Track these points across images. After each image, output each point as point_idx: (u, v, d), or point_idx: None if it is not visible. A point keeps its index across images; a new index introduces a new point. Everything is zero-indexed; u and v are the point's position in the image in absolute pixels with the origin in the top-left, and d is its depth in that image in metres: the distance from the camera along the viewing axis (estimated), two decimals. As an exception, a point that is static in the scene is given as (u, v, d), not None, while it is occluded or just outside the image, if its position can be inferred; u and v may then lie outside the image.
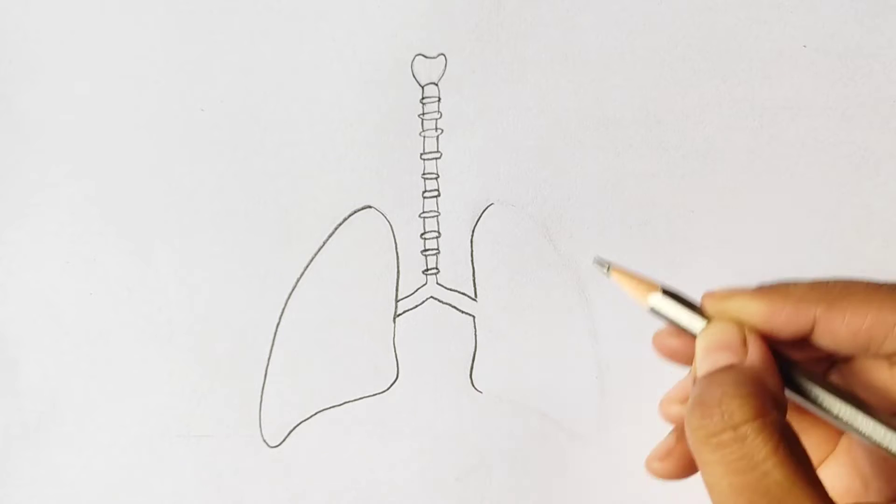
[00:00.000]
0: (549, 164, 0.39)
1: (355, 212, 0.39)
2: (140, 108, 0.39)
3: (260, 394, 0.39)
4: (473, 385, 0.39)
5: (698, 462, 0.27)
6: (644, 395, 0.39)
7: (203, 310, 0.39)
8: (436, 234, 0.39)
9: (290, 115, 0.39)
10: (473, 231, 0.39)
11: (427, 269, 0.39)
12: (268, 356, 0.39)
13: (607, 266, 0.31)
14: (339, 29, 0.39)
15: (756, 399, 0.27)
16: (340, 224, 0.39)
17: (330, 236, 0.39)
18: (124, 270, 0.39)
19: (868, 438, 0.28)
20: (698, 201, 0.39)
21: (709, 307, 0.30)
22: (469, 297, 0.39)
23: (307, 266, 0.39)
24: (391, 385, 0.39)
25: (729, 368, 0.28)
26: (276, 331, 0.39)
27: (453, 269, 0.39)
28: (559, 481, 0.39)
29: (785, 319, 0.29)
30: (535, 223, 0.39)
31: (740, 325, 0.29)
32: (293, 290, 0.39)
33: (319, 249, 0.39)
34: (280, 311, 0.39)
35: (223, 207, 0.39)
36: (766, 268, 0.38)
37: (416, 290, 0.39)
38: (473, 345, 0.39)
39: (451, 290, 0.39)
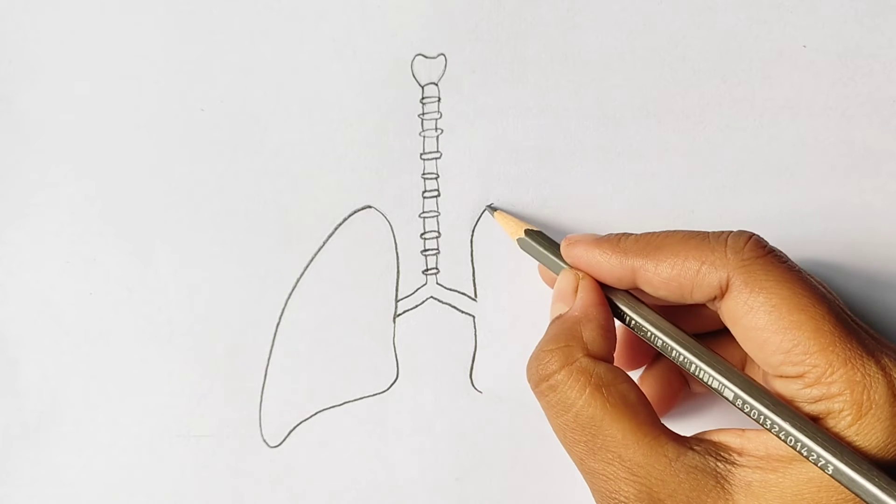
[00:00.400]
0: (549, 164, 0.39)
1: (355, 212, 0.39)
2: (140, 108, 0.39)
3: (260, 394, 0.39)
4: (473, 385, 0.39)
5: None
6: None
7: (203, 310, 0.39)
8: (436, 234, 0.39)
9: (290, 115, 0.39)
10: (473, 231, 0.39)
11: (427, 269, 0.39)
12: (268, 356, 0.39)
13: (493, 210, 0.38)
14: (339, 29, 0.39)
15: (563, 351, 0.32)
16: (340, 224, 0.39)
17: (330, 236, 0.39)
18: (124, 270, 0.39)
19: (666, 354, 0.32)
20: (698, 201, 0.39)
21: (563, 252, 0.35)
22: (469, 297, 0.39)
23: (307, 266, 0.39)
24: (391, 385, 0.39)
25: (554, 321, 0.34)
26: (276, 331, 0.39)
27: (453, 269, 0.39)
28: (559, 481, 0.39)
29: (609, 268, 0.33)
30: (534, 223, 0.39)
31: (575, 274, 0.34)
32: (293, 290, 0.39)
33: (319, 249, 0.39)
34: (280, 311, 0.39)
35: (223, 207, 0.39)
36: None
37: (416, 290, 0.39)
38: (473, 345, 0.39)
39: (451, 290, 0.39)
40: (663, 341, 0.32)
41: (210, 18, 0.39)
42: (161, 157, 0.39)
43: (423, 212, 0.39)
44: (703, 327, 0.36)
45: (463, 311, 0.39)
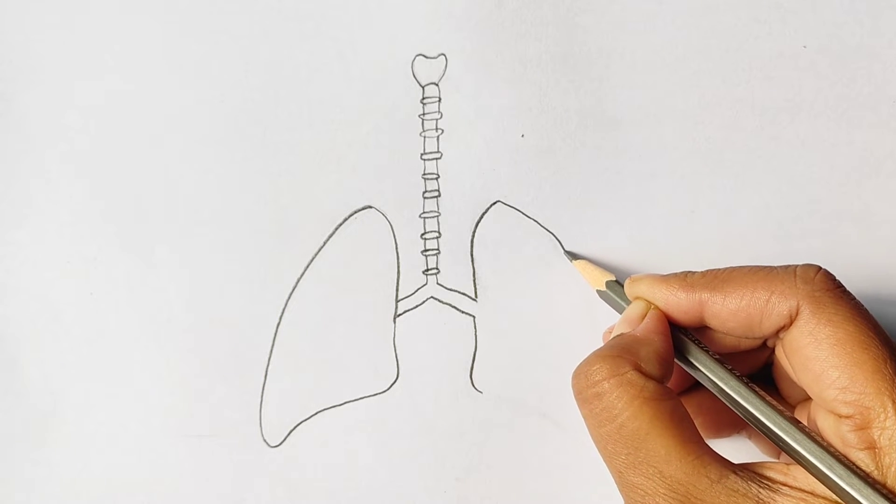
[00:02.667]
0: (549, 164, 0.39)
1: (355, 212, 0.39)
2: (140, 109, 0.39)
3: (260, 394, 0.39)
4: (473, 385, 0.39)
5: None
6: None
7: (203, 310, 0.39)
8: (436, 235, 0.39)
9: (290, 115, 0.39)
10: (474, 231, 0.39)
11: (427, 270, 0.39)
12: (268, 356, 0.39)
13: (573, 257, 0.38)
14: (339, 29, 0.39)
15: (614, 360, 0.31)
16: (341, 224, 0.39)
17: (330, 236, 0.39)
18: (124, 270, 0.39)
19: (719, 395, 0.32)
20: (698, 201, 0.39)
21: (627, 290, 0.35)
22: (469, 297, 0.39)
23: (307, 266, 0.39)
24: (391, 385, 0.39)
25: (613, 338, 0.33)
26: (276, 331, 0.39)
27: (453, 269, 0.39)
28: (559, 482, 0.39)
29: (677, 302, 0.33)
30: (535, 223, 0.39)
31: (646, 304, 0.34)
32: (293, 290, 0.39)
33: (320, 249, 0.39)
34: (280, 311, 0.39)
35: (223, 207, 0.39)
36: (766, 268, 0.38)
37: (417, 291, 0.39)
38: (473, 345, 0.39)
39: (451, 290, 0.39)
40: (720, 387, 0.32)
41: (210, 18, 0.39)
42: (161, 157, 0.39)
43: (424, 212, 0.39)
44: (748, 369, 0.35)
45: (463, 312, 0.39)
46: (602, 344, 0.34)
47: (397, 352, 0.39)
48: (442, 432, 0.39)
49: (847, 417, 0.29)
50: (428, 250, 0.39)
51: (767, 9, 0.38)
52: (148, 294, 0.39)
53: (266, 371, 0.39)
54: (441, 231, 0.39)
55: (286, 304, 0.39)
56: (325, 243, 0.39)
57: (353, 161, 0.39)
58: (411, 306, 0.39)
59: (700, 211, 0.39)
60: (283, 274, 0.39)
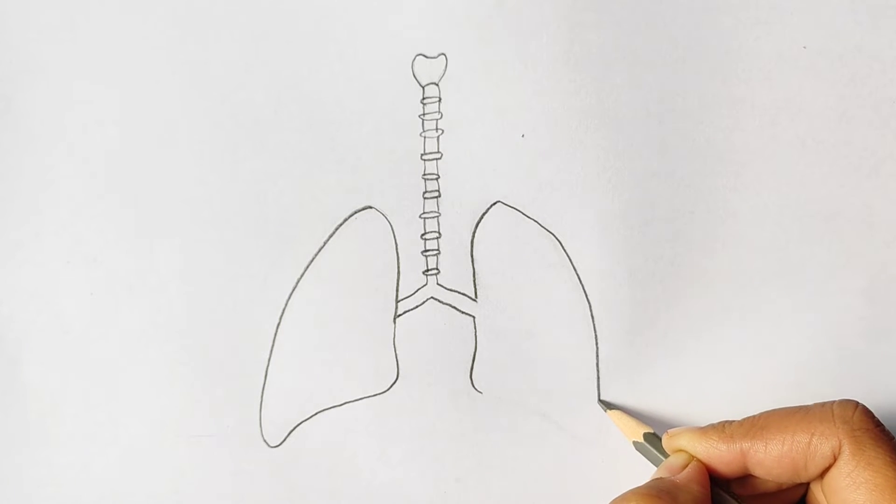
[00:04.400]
0: (549, 164, 0.39)
1: (355, 212, 0.39)
2: (140, 109, 0.39)
3: (260, 394, 0.39)
4: (473, 385, 0.39)
5: None
6: (644, 395, 0.39)
7: (203, 310, 0.39)
8: (436, 235, 0.39)
9: (290, 115, 0.39)
10: (474, 232, 0.39)
11: (427, 270, 0.39)
12: (268, 356, 0.39)
13: (608, 407, 0.38)
14: (339, 29, 0.39)
15: (651, 499, 0.31)
16: (341, 224, 0.39)
17: (330, 237, 0.39)
18: (124, 270, 0.39)
19: None
20: (698, 201, 0.39)
21: (665, 443, 0.35)
22: (469, 297, 0.39)
23: (307, 266, 0.39)
24: (391, 385, 0.39)
25: (654, 479, 0.33)
26: (276, 331, 0.39)
27: (453, 269, 0.39)
28: (559, 482, 0.39)
29: (719, 455, 0.33)
30: (535, 223, 0.39)
31: (688, 456, 0.34)
32: (293, 290, 0.39)
33: (320, 250, 0.39)
34: (280, 311, 0.39)
35: (223, 207, 0.39)
36: (767, 268, 0.38)
37: (417, 291, 0.39)
38: (473, 345, 0.39)
39: (451, 290, 0.39)
40: None
41: (210, 18, 0.39)
42: (161, 157, 0.39)
43: (424, 212, 0.39)
44: None
45: (463, 312, 0.39)
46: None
47: (397, 352, 0.39)
48: (442, 432, 0.39)
49: None
50: (428, 251, 0.39)
51: (767, 9, 0.38)
52: (148, 294, 0.39)
53: (266, 371, 0.39)
54: (441, 231, 0.39)
55: (286, 304, 0.39)
56: (325, 243, 0.39)
57: (353, 161, 0.39)
58: (411, 307, 0.39)
59: (700, 211, 0.39)
60: (283, 274, 0.39)
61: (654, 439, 0.36)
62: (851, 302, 0.38)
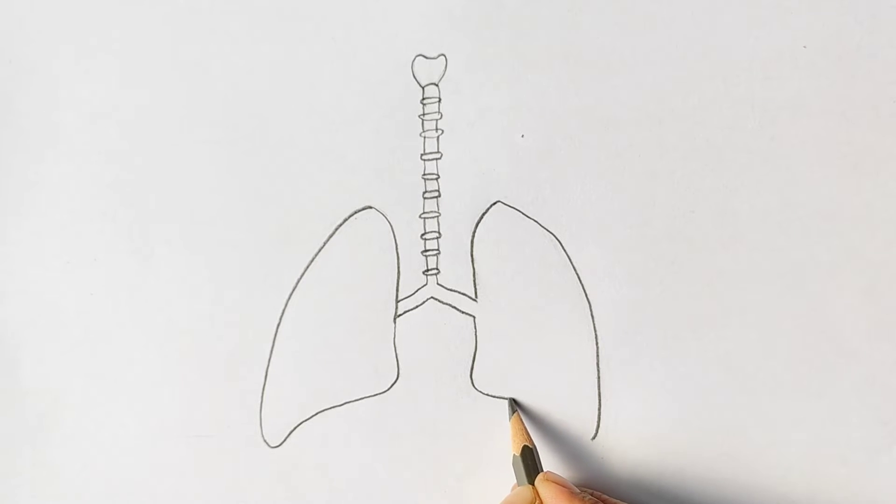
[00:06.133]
0: (549, 164, 0.39)
1: (356, 212, 0.39)
2: (140, 109, 0.39)
3: (260, 394, 0.39)
4: (473, 385, 0.39)
5: None
6: (644, 395, 0.39)
7: (203, 310, 0.39)
8: (436, 235, 0.39)
9: (291, 115, 0.39)
10: (474, 232, 0.39)
11: (427, 270, 0.39)
12: (268, 356, 0.39)
13: (513, 409, 0.38)
14: (339, 29, 0.39)
15: None
16: (341, 224, 0.39)
17: (330, 237, 0.39)
18: (124, 270, 0.39)
19: None
20: (698, 201, 0.39)
21: (537, 484, 0.36)
22: (469, 297, 0.39)
23: (307, 266, 0.39)
24: (391, 385, 0.39)
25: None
26: (277, 331, 0.39)
27: (453, 269, 0.39)
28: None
29: None
30: (535, 223, 0.39)
31: (534, 497, 0.36)
32: (293, 290, 0.39)
33: (320, 250, 0.39)
34: (280, 311, 0.39)
35: (223, 208, 0.39)
36: (767, 268, 0.38)
37: (417, 291, 0.39)
38: (473, 345, 0.39)
39: (451, 290, 0.39)
40: None
41: (210, 19, 0.39)
42: (161, 157, 0.39)
43: (424, 212, 0.39)
44: None
45: (463, 312, 0.39)
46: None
47: (397, 352, 0.39)
48: (442, 432, 0.39)
49: None
50: (428, 250, 0.39)
51: (767, 9, 0.38)
52: (148, 294, 0.39)
53: (266, 371, 0.39)
54: (441, 231, 0.39)
55: (286, 304, 0.39)
56: (325, 243, 0.39)
57: (353, 161, 0.39)
58: (411, 306, 0.39)
59: (700, 211, 0.39)
60: (283, 274, 0.39)
61: (529, 457, 0.37)
62: (851, 302, 0.38)
